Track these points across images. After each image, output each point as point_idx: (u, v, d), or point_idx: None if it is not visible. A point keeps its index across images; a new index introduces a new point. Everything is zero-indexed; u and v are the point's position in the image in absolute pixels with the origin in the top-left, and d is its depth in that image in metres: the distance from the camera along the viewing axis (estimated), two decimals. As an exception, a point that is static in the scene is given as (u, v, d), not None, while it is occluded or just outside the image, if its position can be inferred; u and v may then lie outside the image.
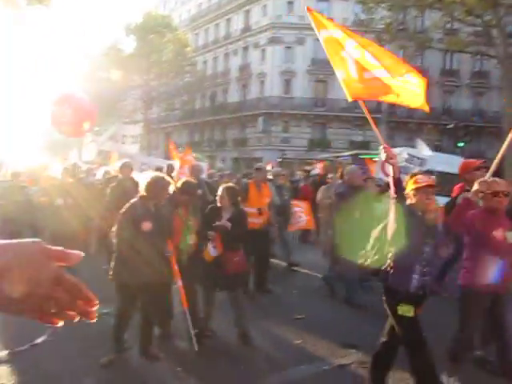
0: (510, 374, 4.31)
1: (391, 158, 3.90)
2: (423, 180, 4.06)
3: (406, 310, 3.87)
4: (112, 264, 4.83)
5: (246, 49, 44.81)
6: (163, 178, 4.98)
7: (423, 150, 12.91)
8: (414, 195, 4.00)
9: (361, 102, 4.65)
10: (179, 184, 5.69)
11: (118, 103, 43.69)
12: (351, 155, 24.02)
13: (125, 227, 4.69)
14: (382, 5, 20.50)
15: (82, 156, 15.24)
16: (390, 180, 3.91)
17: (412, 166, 11.60)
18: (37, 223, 10.51)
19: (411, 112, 40.26)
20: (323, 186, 10.59)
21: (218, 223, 5.48)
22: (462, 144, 31.20)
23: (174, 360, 4.83)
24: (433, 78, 40.10)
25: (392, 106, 40.36)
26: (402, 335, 3.99)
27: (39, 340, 5.40)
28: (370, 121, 4.48)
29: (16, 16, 16.58)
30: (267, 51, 41.94)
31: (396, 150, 12.80)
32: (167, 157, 25.22)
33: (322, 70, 40.98)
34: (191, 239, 5.62)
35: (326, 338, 5.76)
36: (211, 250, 5.47)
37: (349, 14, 39.84)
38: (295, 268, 9.55)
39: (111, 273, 4.80)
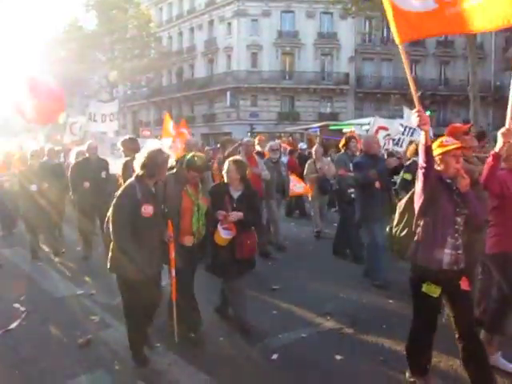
0: None
1: (424, 124, 3.36)
2: (451, 142, 3.63)
3: (431, 290, 3.54)
4: (110, 254, 4.21)
5: (211, 23, 44.06)
6: (161, 150, 4.26)
7: (410, 118, 12.90)
8: (442, 160, 3.60)
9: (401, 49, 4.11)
10: (187, 158, 4.88)
11: (83, 82, 42.65)
12: (320, 127, 24.06)
13: (122, 213, 4.03)
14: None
15: (65, 138, 14.83)
16: (421, 147, 3.40)
17: (403, 136, 11.59)
18: (7, 211, 10.33)
19: (378, 82, 40.55)
20: (309, 161, 10.50)
21: (232, 213, 4.87)
22: (429, 113, 31.43)
23: (154, 336, 4.81)
24: (398, 49, 40.32)
25: (360, 77, 40.53)
26: (416, 314, 3.78)
27: (13, 325, 5.31)
28: (408, 75, 4.07)
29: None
30: (233, 24, 41.35)
31: (390, 122, 12.76)
32: (136, 135, 24.82)
33: (288, 42, 40.82)
34: (202, 221, 4.90)
35: (302, 306, 5.83)
36: (223, 232, 4.87)
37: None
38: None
39: (110, 265, 4.22)
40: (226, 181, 5.18)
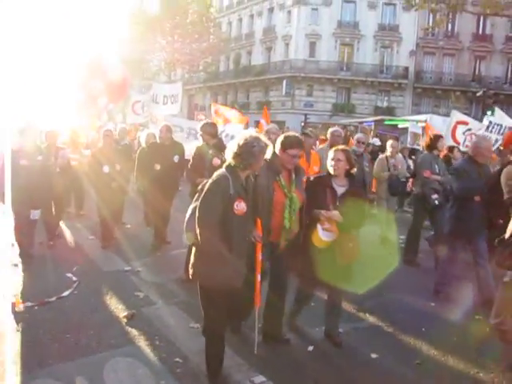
0: None
1: None
2: None
3: None
4: (192, 260, 3.72)
5: (271, 10, 44.00)
6: (258, 138, 3.70)
7: (503, 117, 12.21)
8: None
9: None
10: (282, 138, 4.29)
11: (143, 64, 43.54)
12: (375, 121, 23.74)
13: (214, 210, 3.49)
14: (414, -35, 19.80)
15: (128, 118, 14.72)
16: None
17: (488, 133, 10.85)
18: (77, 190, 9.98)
19: (438, 78, 39.38)
20: (380, 157, 9.46)
21: (335, 213, 4.26)
22: (491, 112, 30.46)
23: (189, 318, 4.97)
24: (463, 43, 39.00)
25: (419, 72, 39.54)
26: None
27: (66, 293, 5.62)
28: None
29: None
30: (293, 13, 41.13)
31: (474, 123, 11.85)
32: (190, 118, 25.25)
33: (348, 33, 40.23)
34: (295, 217, 4.28)
35: (343, 301, 5.86)
36: (323, 234, 4.25)
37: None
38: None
39: (193, 272, 3.71)
40: (331, 172, 4.50)
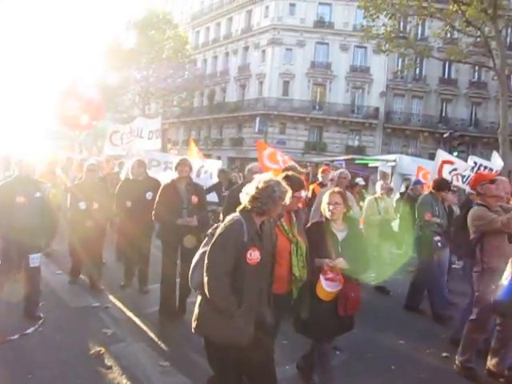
0: None
1: None
2: None
3: None
4: (197, 311, 3.41)
5: (246, 49, 44.88)
6: (279, 183, 3.41)
7: (496, 161, 12.16)
8: None
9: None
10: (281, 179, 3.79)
11: (116, 97, 43.62)
12: (346, 160, 24.11)
13: (226, 258, 3.19)
14: (384, 12, 20.59)
15: (105, 148, 13.41)
16: None
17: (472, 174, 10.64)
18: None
19: (407, 119, 40.53)
20: (369, 198, 9.12)
21: (339, 260, 4.00)
22: (456, 153, 31.35)
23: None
24: (431, 87, 40.41)
25: (389, 112, 40.63)
26: None
27: (30, 330, 5.45)
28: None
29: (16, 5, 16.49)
30: (267, 52, 42.04)
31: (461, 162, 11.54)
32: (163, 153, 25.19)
33: (321, 73, 41.25)
34: (303, 263, 3.92)
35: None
36: (327, 285, 3.92)
37: (350, 19, 40.13)
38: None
39: (196, 324, 3.39)
40: (327, 217, 4.27)
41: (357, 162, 23.42)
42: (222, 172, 11.02)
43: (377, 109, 40.76)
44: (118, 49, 41.94)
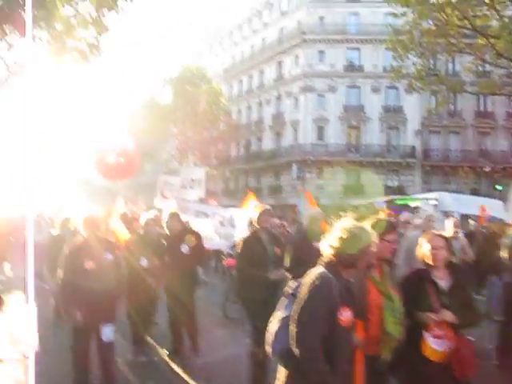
0: None
1: None
2: None
3: None
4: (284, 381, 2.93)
5: (279, 98, 45.44)
6: (364, 229, 3.02)
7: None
8: None
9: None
10: (372, 224, 3.44)
11: (155, 151, 44.69)
12: (386, 201, 23.53)
13: (318, 322, 2.74)
14: (413, 51, 20.39)
15: (155, 201, 12.83)
16: None
17: None
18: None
19: (445, 155, 39.61)
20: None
21: (445, 312, 3.45)
22: (500, 187, 30.26)
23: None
24: (467, 121, 39.57)
25: (426, 150, 39.88)
26: None
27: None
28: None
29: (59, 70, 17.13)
30: (300, 99, 42.39)
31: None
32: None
33: (354, 116, 41.18)
34: (397, 319, 3.39)
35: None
36: (435, 343, 3.38)
37: (379, 60, 40.23)
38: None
39: None
40: (430, 263, 3.72)
41: (397, 202, 22.86)
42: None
43: (413, 147, 40.09)
44: (155, 105, 43.28)
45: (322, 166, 40.49)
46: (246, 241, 5.74)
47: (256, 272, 5.40)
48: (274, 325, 2.97)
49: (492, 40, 17.93)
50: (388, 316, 3.32)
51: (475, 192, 33.20)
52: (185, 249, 6.73)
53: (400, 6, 19.64)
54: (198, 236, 7.08)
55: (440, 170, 39.36)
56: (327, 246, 2.97)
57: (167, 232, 7.18)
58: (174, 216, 7.17)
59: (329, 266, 2.91)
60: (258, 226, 5.83)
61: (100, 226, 5.54)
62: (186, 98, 42.31)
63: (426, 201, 17.41)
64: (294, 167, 40.56)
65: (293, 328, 2.75)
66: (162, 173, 47.68)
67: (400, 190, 37.07)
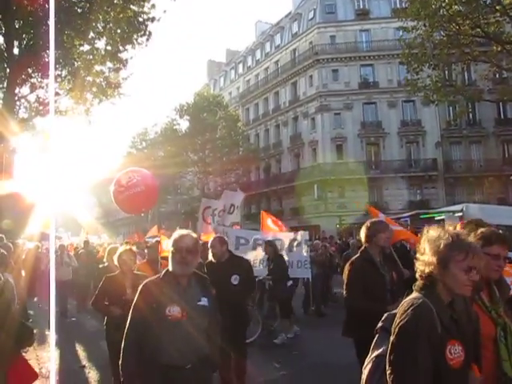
0: None
1: None
2: None
3: None
4: None
5: (295, 119, 45.62)
6: (461, 236, 2.38)
7: None
8: None
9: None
10: (483, 234, 2.90)
11: (176, 180, 45.03)
12: (411, 216, 23.19)
13: (418, 367, 2.18)
14: (427, 64, 20.35)
15: (198, 227, 12.33)
16: None
17: None
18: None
19: (468, 166, 39.04)
20: None
21: None
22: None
23: None
24: (488, 129, 39.06)
25: (448, 162, 39.41)
26: None
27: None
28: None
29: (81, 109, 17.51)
30: (317, 119, 42.48)
31: None
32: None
33: (372, 132, 41.05)
34: None
35: None
36: None
37: (394, 75, 40.26)
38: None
39: None
40: None
41: (422, 216, 22.48)
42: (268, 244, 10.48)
43: (434, 160, 39.68)
44: (173, 135, 43.80)
45: (343, 185, 40.30)
46: (356, 267, 4.72)
47: (373, 305, 4.28)
48: (367, 365, 2.49)
49: (507, 46, 17.82)
50: (504, 351, 2.64)
51: (503, 201, 32.56)
52: (235, 279, 5.85)
53: (410, 20, 19.72)
54: (248, 264, 6.37)
55: (463, 182, 38.73)
56: (421, 264, 2.41)
57: (212, 260, 6.09)
58: (222, 242, 6.14)
59: (427, 289, 2.36)
60: (369, 245, 4.81)
61: (196, 259, 4.32)
62: (203, 126, 42.76)
63: (451, 214, 17.08)
64: (315, 188, 40.44)
65: (389, 373, 2.24)
66: (182, 201, 48.11)
67: (423, 205, 36.56)
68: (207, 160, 44.72)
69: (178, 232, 3.58)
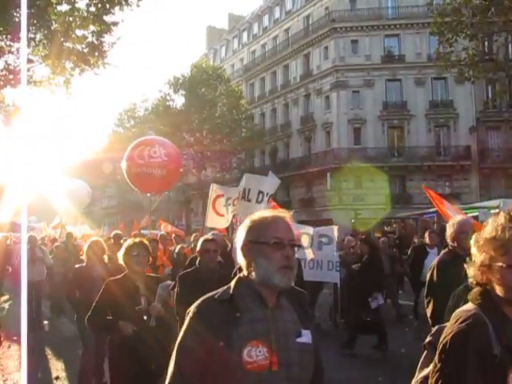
0: None
1: None
2: None
3: None
4: None
5: (307, 97, 45.42)
6: None
7: None
8: None
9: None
10: None
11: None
12: (438, 212, 23.01)
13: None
14: (463, 34, 20.03)
15: (207, 220, 11.57)
16: None
17: None
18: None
19: (508, 155, 38.71)
20: None
21: None
22: None
23: None
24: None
25: (483, 150, 39.09)
26: None
27: None
28: None
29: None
30: (332, 98, 42.28)
31: None
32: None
33: (396, 114, 40.77)
34: None
35: None
36: None
37: (423, 48, 39.88)
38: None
39: None
40: None
41: (451, 212, 22.28)
42: None
43: (467, 147, 39.41)
44: (166, 112, 43.54)
45: (360, 174, 40.10)
46: (444, 264, 4.77)
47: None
48: None
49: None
50: None
51: (546, 196, 32.34)
52: None
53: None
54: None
55: (501, 173, 38.41)
56: (477, 270, 2.16)
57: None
58: None
59: (482, 299, 2.12)
60: (456, 244, 4.78)
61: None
62: (201, 103, 42.47)
63: (486, 210, 16.90)
64: (328, 176, 40.25)
65: None
66: (176, 188, 47.93)
67: (453, 199, 36.30)
68: (205, 142, 44.48)
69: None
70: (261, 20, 53.42)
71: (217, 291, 2.35)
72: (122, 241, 9.59)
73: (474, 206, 21.34)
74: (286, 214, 2.40)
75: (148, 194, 15.96)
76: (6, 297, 13.50)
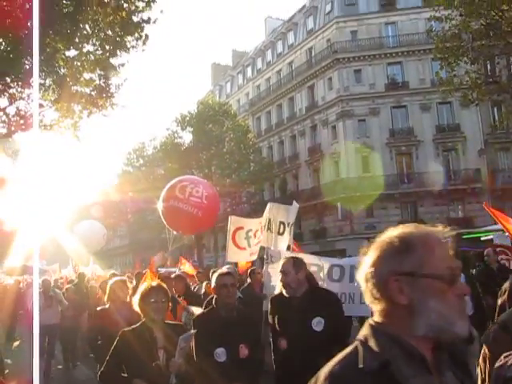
0: None
1: None
2: None
3: None
4: None
5: (313, 128, 45.59)
6: None
7: None
8: None
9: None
10: None
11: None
12: (451, 236, 22.79)
13: None
14: (464, 58, 20.14)
15: (228, 254, 10.75)
16: None
17: None
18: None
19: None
20: None
21: None
22: None
23: None
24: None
25: (494, 172, 38.81)
26: None
27: None
28: None
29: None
30: (338, 127, 42.41)
31: None
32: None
33: (403, 140, 40.74)
34: None
35: None
36: None
37: (426, 74, 40.10)
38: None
39: None
40: None
41: (465, 236, 22.16)
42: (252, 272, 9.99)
43: (478, 170, 39.24)
44: (174, 150, 43.82)
45: (370, 202, 39.93)
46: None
47: None
48: None
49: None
50: None
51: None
52: (318, 324, 4.67)
53: (443, 9, 19.60)
54: (337, 302, 5.36)
55: (513, 194, 38.13)
56: None
57: (283, 292, 4.98)
58: (299, 265, 4.93)
59: None
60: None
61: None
62: (208, 139, 42.74)
63: (501, 233, 16.67)
64: (339, 206, 40.12)
65: None
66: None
67: (467, 222, 36.04)
68: (214, 178, 44.56)
69: None
70: (264, 55, 54.10)
71: (349, 351, 1.58)
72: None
73: (488, 229, 21.15)
74: (444, 229, 1.74)
75: (174, 233, 15.91)
76: (18, 342, 13.41)
